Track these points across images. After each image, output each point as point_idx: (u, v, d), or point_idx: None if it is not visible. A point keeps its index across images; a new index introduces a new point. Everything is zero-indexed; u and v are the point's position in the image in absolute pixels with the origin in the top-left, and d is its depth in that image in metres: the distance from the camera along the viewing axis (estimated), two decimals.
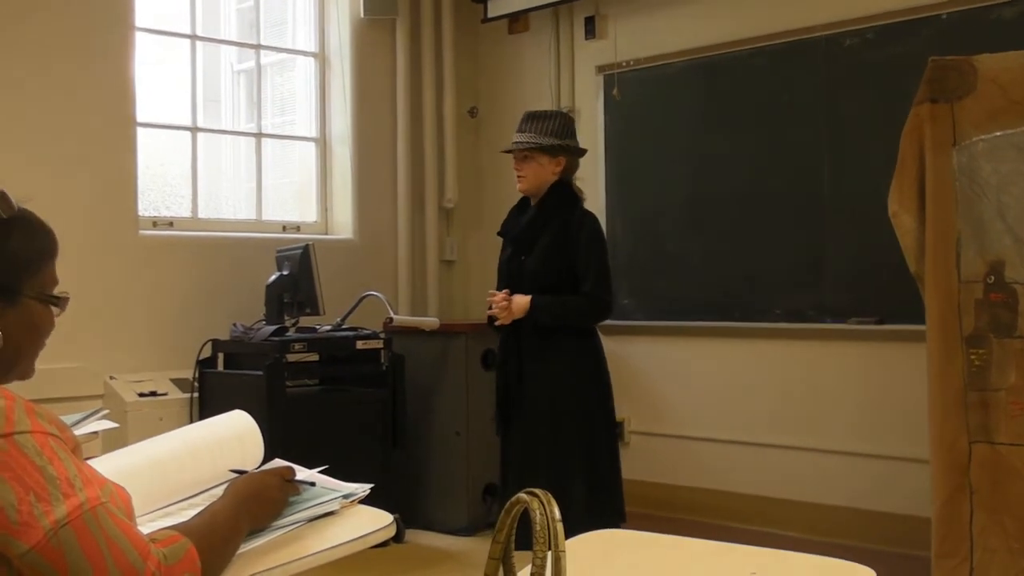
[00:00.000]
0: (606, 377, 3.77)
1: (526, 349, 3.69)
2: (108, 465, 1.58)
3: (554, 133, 3.70)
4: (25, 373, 1.45)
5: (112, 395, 4.47)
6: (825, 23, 4.73)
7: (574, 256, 3.65)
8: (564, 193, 3.74)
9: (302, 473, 1.67)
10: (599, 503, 3.59)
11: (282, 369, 4.46)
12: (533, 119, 3.76)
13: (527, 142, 3.71)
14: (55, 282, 1.47)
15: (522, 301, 3.65)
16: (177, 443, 1.74)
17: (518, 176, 3.76)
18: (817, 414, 4.81)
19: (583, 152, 3.89)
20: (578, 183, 3.88)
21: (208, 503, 1.50)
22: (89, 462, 1.43)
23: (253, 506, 1.50)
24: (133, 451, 1.74)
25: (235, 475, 1.61)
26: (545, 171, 3.72)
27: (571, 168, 3.79)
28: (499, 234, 3.96)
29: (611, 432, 3.74)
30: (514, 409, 3.71)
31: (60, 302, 1.47)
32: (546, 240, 3.69)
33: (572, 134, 3.79)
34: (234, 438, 1.76)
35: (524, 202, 3.85)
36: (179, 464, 1.68)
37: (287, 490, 1.58)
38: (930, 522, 3.41)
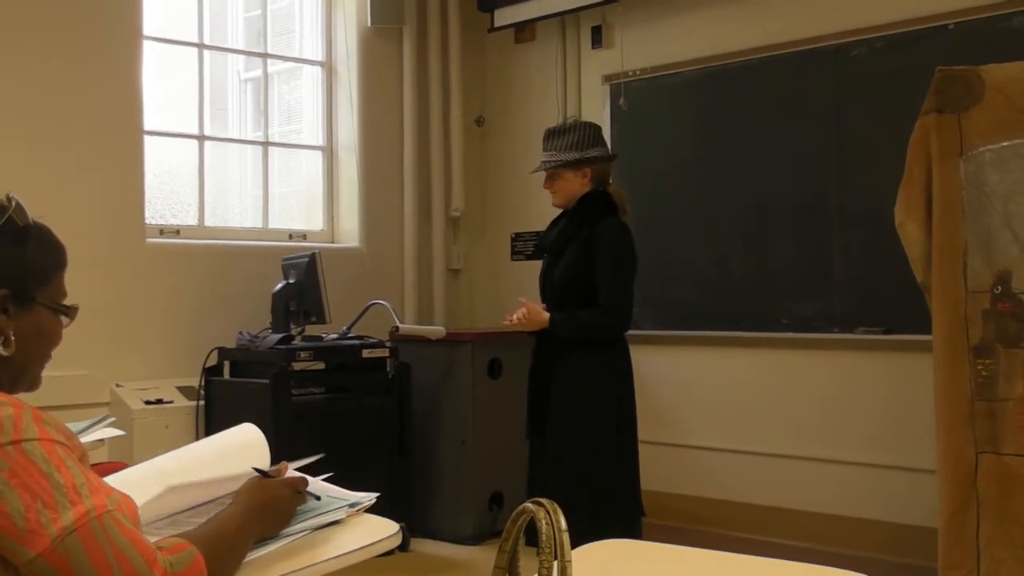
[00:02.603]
0: (625, 387, 3.72)
1: (551, 358, 3.70)
2: (116, 479, 1.58)
3: (573, 147, 3.69)
4: (33, 384, 1.47)
5: (118, 403, 4.47)
6: (833, 33, 4.74)
7: (594, 267, 3.63)
8: (594, 203, 3.72)
9: (310, 483, 1.67)
10: (604, 515, 3.56)
11: (288, 377, 4.47)
12: (552, 136, 3.76)
13: (548, 160, 3.72)
14: (64, 294, 1.50)
15: (540, 317, 3.67)
16: (185, 454, 1.75)
17: (551, 193, 3.78)
18: (823, 424, 4.79)
19: (611, 158, 3.84)
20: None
21: (215, 511, 1.50)
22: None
23: (261, 515, 1.50)
24: (141, 467, 1.76)
25: (256, 473, 1.60)
26: (572, 185, 3.72)
27: (600, 176, 3.76)
28: (535, 246, 4.00)
29: (628, 441, 3.69)
30: (542, 418, 3.72)
31: (70, 311, 1.49)
32: (572, 250, 3.68)
33: (595, 143, 3.74)
34: (242, 448, 1.77)
35: (563, 214, 3.85)
36: (186, 474, 1.69)
37: (296, 501, 1.58)
38: (937, 532, 3.40)
